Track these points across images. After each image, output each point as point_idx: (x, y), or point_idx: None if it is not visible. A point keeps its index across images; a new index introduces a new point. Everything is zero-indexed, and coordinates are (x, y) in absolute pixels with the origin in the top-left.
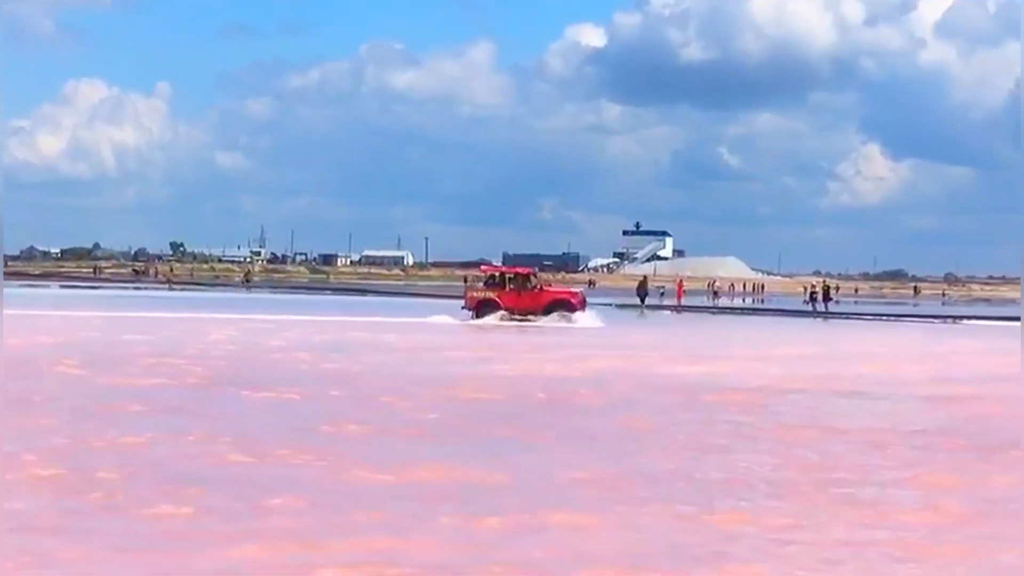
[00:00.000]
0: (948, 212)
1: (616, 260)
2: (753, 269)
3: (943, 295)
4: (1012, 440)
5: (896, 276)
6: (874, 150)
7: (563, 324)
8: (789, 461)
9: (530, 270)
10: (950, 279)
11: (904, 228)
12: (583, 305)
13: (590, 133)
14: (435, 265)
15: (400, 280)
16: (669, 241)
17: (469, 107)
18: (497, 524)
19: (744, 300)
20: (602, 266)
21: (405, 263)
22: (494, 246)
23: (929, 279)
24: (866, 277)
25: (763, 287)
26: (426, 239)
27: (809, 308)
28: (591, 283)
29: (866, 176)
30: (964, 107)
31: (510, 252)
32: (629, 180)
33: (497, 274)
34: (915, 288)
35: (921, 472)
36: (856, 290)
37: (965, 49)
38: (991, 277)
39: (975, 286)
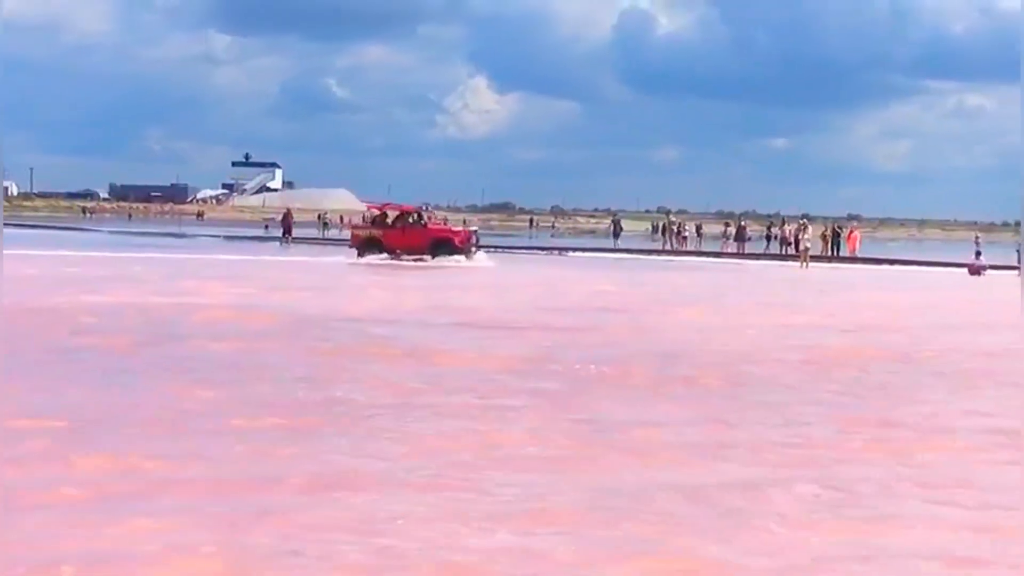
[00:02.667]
0: (554, 145)
1: (225, 192)
2: (362, 201)
3: (553, 227)
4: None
5: (504, 208)
6: (481, 83)
7: (450, 264)
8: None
9: (415, 208)
10: (556, 211)
11: (511, 160)
12: (468, 244)
13: (198, 63)
14: (40, 196)
15: (4, 211)
16: (279, 173)
17: (74, 35)
18: None
19: None
20: (211, 197)
21: (10, 193)
22: (101, 177)
23: (536, 211)
24: (474, 209)
25: None
26: (31, 169)
27: None
28: (199, 214)
29: (473, 109)
30: (569, 41)
31: (117, 183)
32: (238, 111)
33: (382, 213)
34: (531, 220)
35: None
36: (464, 222)
37: None
38: (596, 209)
39: (581, 218)
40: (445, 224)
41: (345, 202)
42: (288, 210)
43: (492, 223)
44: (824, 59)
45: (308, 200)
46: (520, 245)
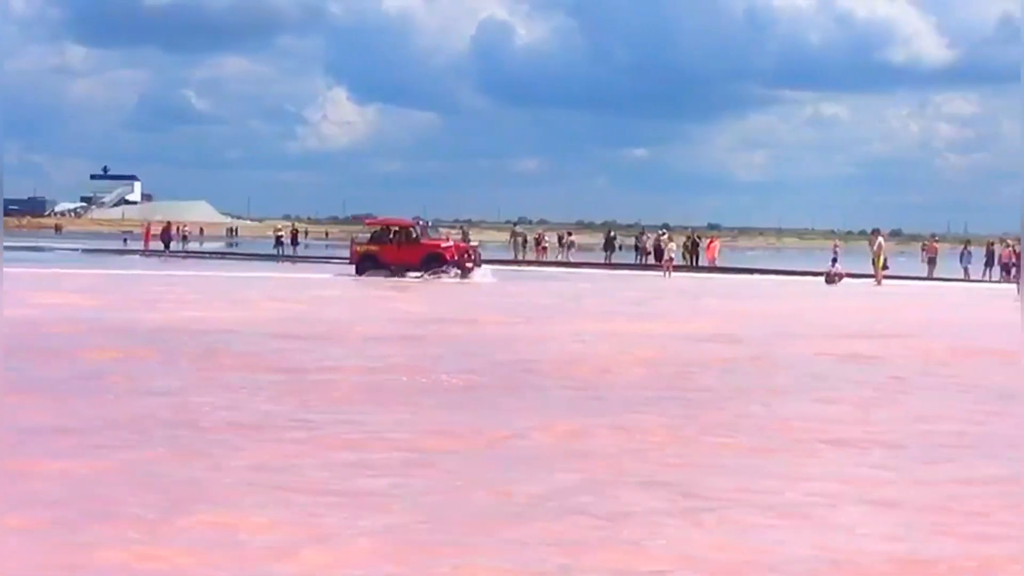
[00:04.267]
0: (415, 156)
1: (84, 205)
2: (222, 213)
3: None
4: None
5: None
6: (340, 94)
7: (442, 280)
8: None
9: (410, 222)
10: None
11: (372, 172)
12: (462, 259)
13: (55, 75)
14: None
15: None
16: (137, 185)
17: None
18: None
19: (227, 244)
20: (69, 210)
21: None
22: None
23: None
24: (336, 221)
25: (235, 231)
26: None
27: (276, 252)
28: (57, 228)
29: (333, 120)
30: (428, 52)
31: None
32: (95, 123)
33: (383, 228)
34: None
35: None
36: (327, 234)
37: None
38: (457, 220)
39: (444, 229)
40: (446, 239)
41: (204, 214)
42: (168, 223)
43: (355, 235)
44: (682, 69)
45: (168, 212)
46: None
